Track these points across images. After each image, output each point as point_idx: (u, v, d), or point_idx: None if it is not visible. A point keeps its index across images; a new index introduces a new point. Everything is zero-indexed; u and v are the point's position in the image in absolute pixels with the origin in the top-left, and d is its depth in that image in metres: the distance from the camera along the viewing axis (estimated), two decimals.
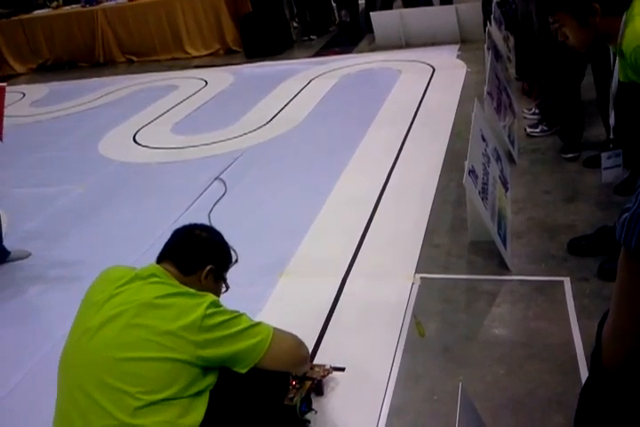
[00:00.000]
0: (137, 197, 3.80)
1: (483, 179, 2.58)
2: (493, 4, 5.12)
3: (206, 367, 1.49)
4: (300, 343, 1.69)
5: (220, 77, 6.54)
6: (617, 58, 1.84)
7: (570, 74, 3.23)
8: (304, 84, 5.76)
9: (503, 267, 2.49)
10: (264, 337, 1.53)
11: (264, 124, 4.81)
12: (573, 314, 2.18)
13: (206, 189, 3.72)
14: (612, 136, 2.04)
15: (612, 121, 1.94)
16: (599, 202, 2.87)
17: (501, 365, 2.00)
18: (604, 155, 2.30)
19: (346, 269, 2.67)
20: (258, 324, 1.56)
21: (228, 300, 1.68)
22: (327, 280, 2.61)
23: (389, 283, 2.53)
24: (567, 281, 2.35)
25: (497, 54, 4.24)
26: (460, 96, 4.69)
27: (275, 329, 1.58)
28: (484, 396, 1.87)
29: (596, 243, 2.49)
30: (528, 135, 3.74)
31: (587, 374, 1.86)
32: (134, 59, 8.19)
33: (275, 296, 2.57)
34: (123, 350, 1.43)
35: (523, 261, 2.53)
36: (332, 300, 2.47)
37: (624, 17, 1.74)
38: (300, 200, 3.42)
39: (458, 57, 5.89)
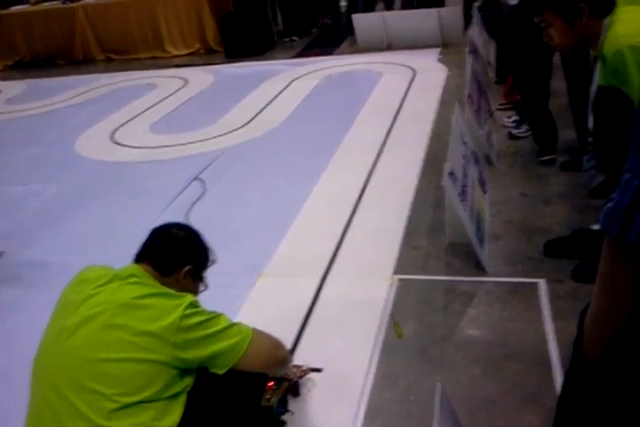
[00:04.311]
0: (114, 197, 3.76)
1: (462, 181, 2.60)
2: (474, 9, 5.17)
3: (184, 369, 1.48)
4: (279, 344, 1.68)
5: (201, 77, 6.51)
6: (598, 62, 1.87)
7: (539, 78, 3.29)
8: (285, 84, 5.75)
9: (480, 268, 2.51)
10: (243, 337, 1.52)
11: (244, 125, 4.79)
12: (548, 315, 2.20)
13: (185, 189, 3.69)
14: (590, 139, 2.08)
15: (590, 124, 1.97)
16: (575, 205, 2.91)
17: (477, 365, 2.02)
18: (584, 158, 2.33)
19: (325, 269, 2.67)
20: (237, 324, 1.55)
21: (206, 301, 1.67)
22: (306, 281, 2.61)
23: (368, 284, 2.53)
24: (542, 283, 2.38)
25: (477, 58, 4.28)
26: (441, 99, 4.72)
27: (254, 330, 1.57)
28: (460, 396, 1.88)
29: (572, 245, 2.52)
30: (513, 137, 3.79)
31: (561, 375, 1.89)
32: (114, 57, 8.11)
33: (253, 297, 2.55)
34: (100, 351, 1.41)
35: (499, 263, 2.55)
36: (311, 300, 2.47)
37: (606, 21, 1.77)
38: (279, 200, 3.42)
39: (439, 60, 5.93)
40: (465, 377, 1.97)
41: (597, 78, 1.91)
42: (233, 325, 1.54)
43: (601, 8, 1.77)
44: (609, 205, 0.77)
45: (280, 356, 1.69)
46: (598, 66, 1.89)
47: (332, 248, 2.83)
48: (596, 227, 2.54)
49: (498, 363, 2.02)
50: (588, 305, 0.91)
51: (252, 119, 4.90)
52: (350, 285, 2.55)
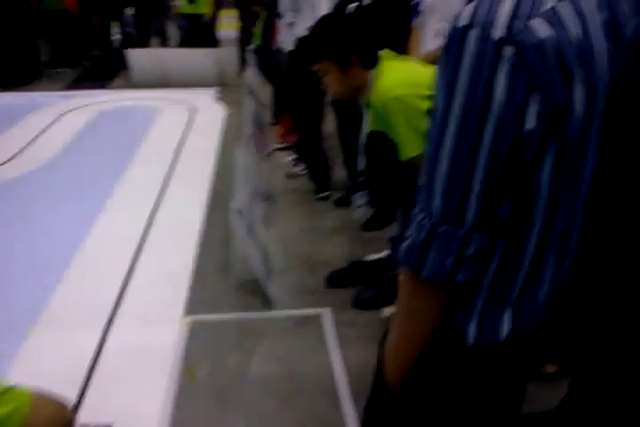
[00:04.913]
0: None
1: (248, 218, 2.66)
2: (248, 51, 5.40)
3: None
4: (62, 404, 1.52)
5: None
6: (367, 109, 2.06)
7: (313, 121, 3.56)
8: (53, 118, 5.36)
9: (269, 303, 2.57)
10: (21, 403, 1.34)
11: (4, 163, 4.33)
12: (334, 343, 2.33)
13: None
14: (361, 179, 2.28)
15: (361, 165, 2.17)
16: (351, 238, 3.16)
17: (273, 400, 2.05)
18: (356, 196, 2.54)
19: (108, 317, 2.51)
20: (11, 388, 1.37)
21: None
22: (87, 331, 2.41)
23: (157, 328, 2.43)
24: (327, 312, 2.52)
25: (255, 99, 4.46)
26: (221, 137, 4.81)
27: (32, 392, 1.40)
28: None
29: (350, 276, 2.72)
30: (292, 175, 3.99)
31: (350, 399, 2.01)
32: None
33: (25, 355, 2.28)
34: None
35: (287, 297, 2.65)
36: (94, 351, 2.29)
37: (372, 73, 1.98)
38: (53, 244, 3.13)
39: (217, 99, 6.06)
40: (262, 413, 1.99)
41: (366, 124, 2.11)
42: (7, 389, 1.35)
43: (368, 61, 1.97)
44: (406, 242, 0.85)
45: (65, 417, 1.52)
46: (367, 113, 2.10)
47: (116, 293, 2.67)
48: (371, 257, 2.79)
49: (291, 395, 2.07)
50: (385, 334, 0.98)
51: (14, 157, 4.45)
52: (138, 331, 2.43)
